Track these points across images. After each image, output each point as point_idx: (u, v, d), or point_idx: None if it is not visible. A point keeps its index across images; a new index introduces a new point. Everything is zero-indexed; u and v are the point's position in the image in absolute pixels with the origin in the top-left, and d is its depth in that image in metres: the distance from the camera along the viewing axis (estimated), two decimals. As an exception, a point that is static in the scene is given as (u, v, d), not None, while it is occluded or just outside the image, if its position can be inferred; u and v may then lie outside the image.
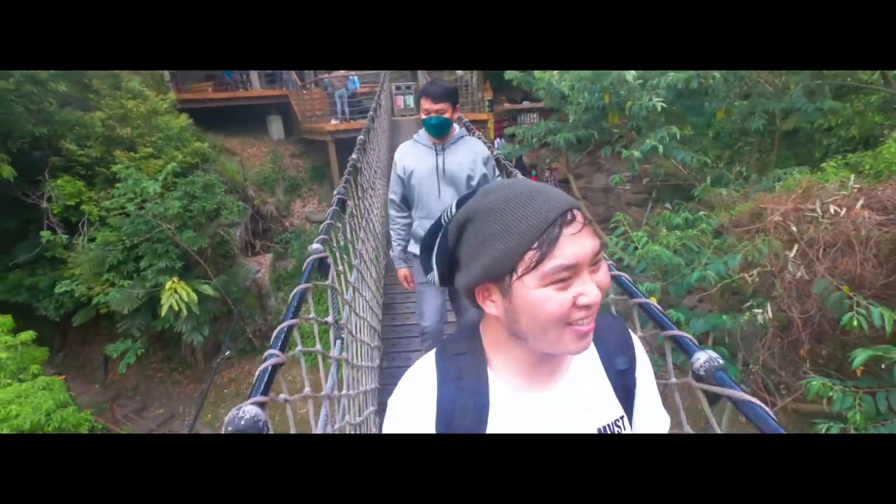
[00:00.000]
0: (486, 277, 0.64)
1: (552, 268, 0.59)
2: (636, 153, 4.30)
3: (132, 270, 8.95)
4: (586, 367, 0.75)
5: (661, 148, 4.17)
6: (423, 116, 2.37)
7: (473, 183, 2.45)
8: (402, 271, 2.66)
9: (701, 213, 3.47)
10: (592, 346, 0.75)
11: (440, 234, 0.72)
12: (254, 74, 15.15)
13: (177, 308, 8.25)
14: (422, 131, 2.48)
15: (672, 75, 4.12)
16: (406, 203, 2.56)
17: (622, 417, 0.75)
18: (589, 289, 0.61)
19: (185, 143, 10.18)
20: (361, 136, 4.15)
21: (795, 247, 2.58)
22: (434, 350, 0.76)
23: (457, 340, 0.76)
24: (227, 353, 9.05)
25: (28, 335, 6.75)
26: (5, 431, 5.27)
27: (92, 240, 9.06)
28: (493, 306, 0.67)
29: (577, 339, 0.63)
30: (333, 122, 12.74)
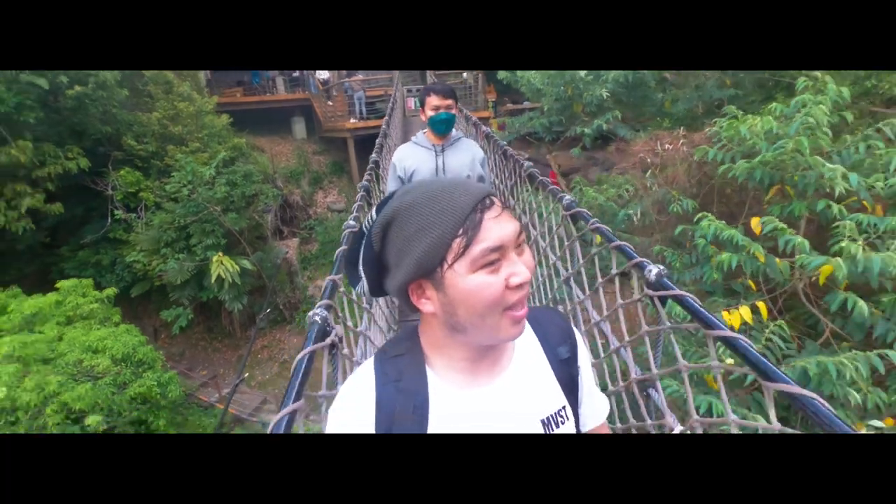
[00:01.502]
0: (418, 272, 0.64)
1: (480, 250, 0.60)
2: (587, 131, 5.66)
3: (183, 247, 10.47)
4: (528, 358, 0.76)
5: (605, 126, 5.53)
6: (432, 113, 2.37)
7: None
8: None
9: (629, 174, 4.79)
10: (534, 338, 0.77)
11: (363, 242, 0.70)
12: (279, 80, 16.72)
13: (224, 276, 9.73)
14: (420, 134, 2.52)
15: (614, 71, 5.48)
16: None
17: (564, 407, 0.74)
18: (518, 268, 0.62)
19: (225, 139, 11.74)
20: (379, 140, 4.49)
21: (649, 171, 3.95)
22: (374, 355, 0.76)
23: (396, 343, 0.75)
24: (264, 315, 10.49)
25: (111, 291, 8.28)
26: (105, 361, 6.74)
27: (148, 223, 10.61)
28: (428, 303, 0.66)
29: (513, 324, 0.64)
30: (352, 121, 14.24)
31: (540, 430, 0.71)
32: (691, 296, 1.18)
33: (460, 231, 0.60)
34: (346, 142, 14.23)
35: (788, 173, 2.79)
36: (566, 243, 2.21)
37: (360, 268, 0.71)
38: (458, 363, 0.70)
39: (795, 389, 0.82)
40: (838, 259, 2.24)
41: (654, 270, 1.31)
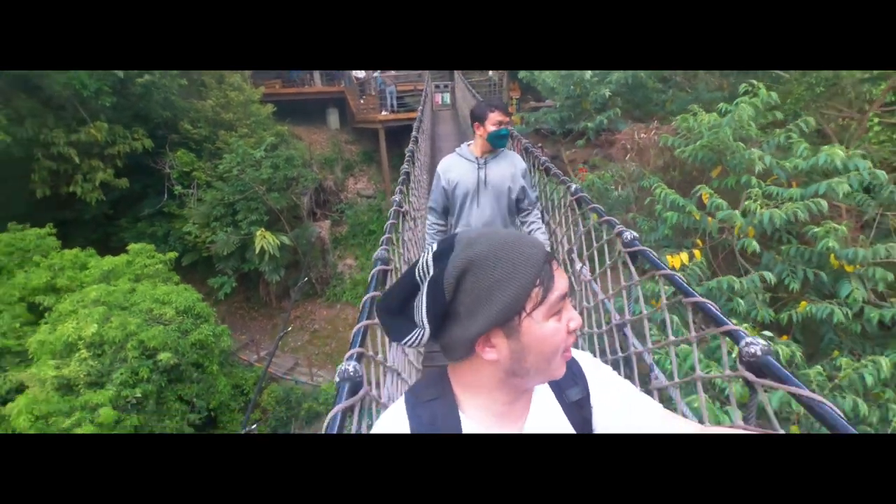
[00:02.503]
0: (498, 321, 0.64)
1: (556, 298, 0.65)
2: (590, 125, 6.51)
3: (230, 222, 11.65)
4: (543, 402, 0.77)
5: (605, 122, 6.38)
6: (494, 129, 2.45)
7: (514, 196, 2.56)
8: None
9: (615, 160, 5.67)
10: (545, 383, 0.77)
11: (427, 290, 0.66)
12: (316, 73, 17.84)
13: (266, 249, 10.87)
14: (464, 146, 2.60)
15: (617, 73, 6.32)
16: (446, 212, 2.67)
17: None
18: (574, 314, 0.69)
19: (269, 126, 12.90)
20: (414, 134, 4.89)
21: (627, 155, 4.84)
22: (403, 396, 0.76)
23: (427, 386, 0.76)
24: (300, 285, 11.62)
25: (172, 254, 9.49)
26: (171, 311, 7.88)
27: (200, 199, 11.83)
28: (492, 352, 0.67)
29: (563, 363, 0.70)
30: (384, 113, 15.27)
31: None
32: (650, 250, 1.68)
33: (538, 281, 0.63)
34: (377, 133, 15.26)
35: (725, 156, 3.65)
36: (570, 221, 2.68)
37: (424, 317, 0.66)
38: (498, 406, 0.72)
39: (698, 299, 1.25)
40: (736, 212, 3.11)
41: (628, 235, 1.75)
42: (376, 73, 16.39)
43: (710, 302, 1.24)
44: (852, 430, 0.80)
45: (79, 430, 5.98)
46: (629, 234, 1.77)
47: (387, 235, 2.09)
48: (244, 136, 11.92)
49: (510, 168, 2.54)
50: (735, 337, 1.09)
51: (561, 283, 0.66)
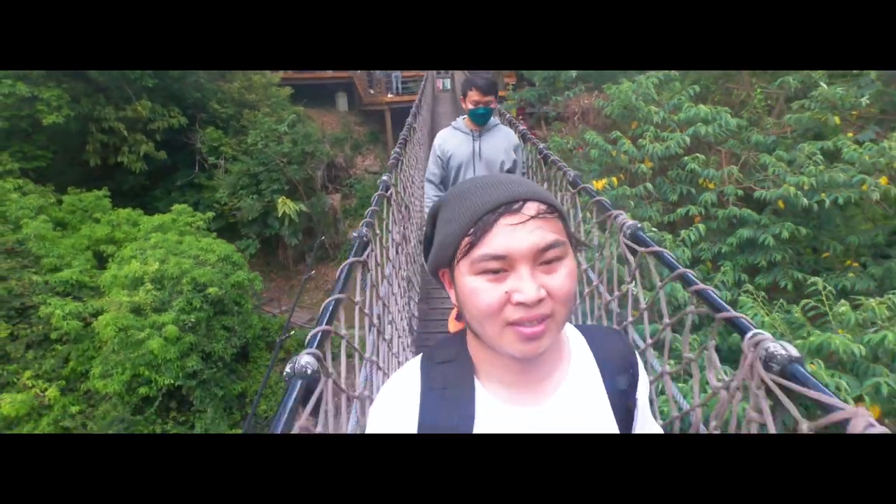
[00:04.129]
0: (436, 261, 0.65)
1: (479, 255, 0.58)
2: (559, 98, 8.00)
3: (254, 191, 13.17)
4: (585, 383, 0.70)
5: (571, 97, 7.88)
6: (472, 107, 2.52)
7: (506, 167, 2.63)
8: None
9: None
10: (593, 362, 0.72)
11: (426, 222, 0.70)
12: (326, 60, 19.27)
13: (287, 213, 12.41)
14: (459, 119, 2.68)
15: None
16: (443, 183, 2.73)
17: None
18: (524, 285, 0.57)
19: (286, 107, 14.39)
20: (413, 109, 5.91)
21: (576, 117, 6.36)
22: (420, 356, 0.73)
23: (443, 346, 0.72)
24: (318, 244, 13.18)
25: (210, 214, 11.04)
26: (213, 257, 9.42)
27: (227, 171, 13.35)
28: (452, 294, 0.65)
29: (519, 340, 0.59)
30: (389, 95, 16.73)
31: None
32: (666, 251, 1.49)
33: (471, 230, 0.58)
34: (383, 115, 16.74)
35: (636, 113, 5.14)
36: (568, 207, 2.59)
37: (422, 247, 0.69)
38: (502, 375, 0.67)
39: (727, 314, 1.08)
40: (633, 147, 4.63)
41: (622, 219, 1.69)
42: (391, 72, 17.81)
43: (711, 289, 1.17)
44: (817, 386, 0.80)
45: (150, 344, 7.54)
46: (623, 220, 1.66)
47: (368, 220, 2.01)
48: (266, 115, 13.41)
49: (504, 142, 2.65)
50: (740, 327, 1.02)
51: (500, 240, 0.57)
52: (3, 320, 7.53)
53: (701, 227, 4.15)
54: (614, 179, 4.89)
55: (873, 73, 4.76)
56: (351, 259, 1.51)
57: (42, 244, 8.73)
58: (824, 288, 3.35)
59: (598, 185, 4.87)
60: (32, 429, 7.38)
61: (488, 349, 0.65)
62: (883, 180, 3.96)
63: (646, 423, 0.77)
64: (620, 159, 4.93)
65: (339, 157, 16.51)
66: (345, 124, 17.69)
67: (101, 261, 9.72)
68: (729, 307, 1.11)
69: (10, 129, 10.12)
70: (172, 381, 7.86)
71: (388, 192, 2.69)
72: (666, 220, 4.57)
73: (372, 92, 17.97)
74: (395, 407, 0.68)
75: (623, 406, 0.72)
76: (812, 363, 2.88)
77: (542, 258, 0.58)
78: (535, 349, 0.60)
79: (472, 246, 0.59)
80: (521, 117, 12.90)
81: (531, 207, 0.59)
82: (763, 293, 3.85)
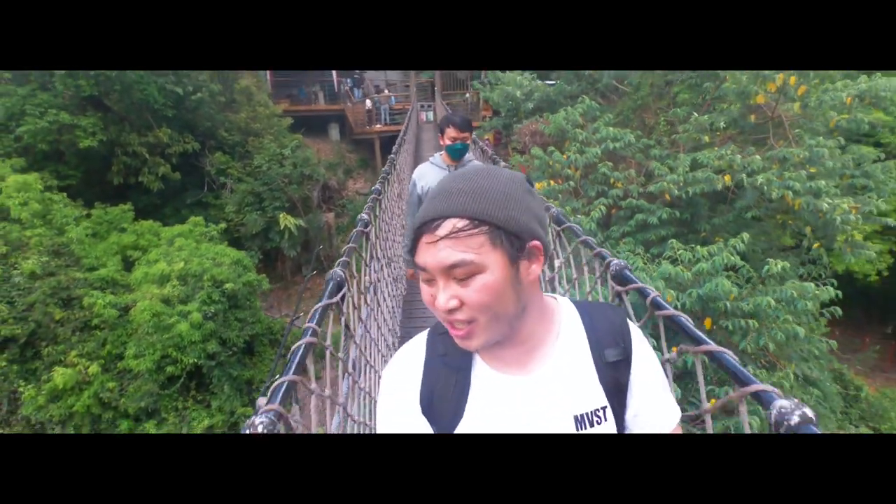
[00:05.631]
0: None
1: (416, 262, 0.69)
2: (520, 125, 9.86)
3: (257, 208, 14.76)
4: (572, 352, 0.76)
5: (526, 122, 9.79)
6: (449, 142, 2.71)
7: None
8: (412, 271, 3.00)
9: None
10: (583, 334, 0.78)
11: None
12: (320, 93, 21.23)
13: (288, 226, 14.00)
14: (437, 155, 2.87)
15: (538, 93, 9.69)
16: None
17: (605, 408, 0.74)
18: (438, 296, 0.66)
19: (286, 135, 16.17)
20: (399, 140, 7.77)
21: (528, 138, 8.25)
22: (429, 328, 0.82)
23: None
24: (316, 252, 14.71)
25: (222, 226, 12.57)
26: (228, 259, 10.90)
27: (233, 191, 14.95)
28: None
29: (457, 336, 0.70)
30: (378, 126, 18.67)
31: (572, 425, 0.72)
32: (649, 287, 1.38)
33: (413, 237, 0.69)
34: (373, 143, 18.62)
35: (567, 133, 6.95)
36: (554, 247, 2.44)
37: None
38: (501, 350, 0.74)
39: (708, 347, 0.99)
40: (563, 157, 6.43)
41: (616, 265, 1.55)
42: (378, 102, 19.81)
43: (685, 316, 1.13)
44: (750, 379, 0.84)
45: (179, 327, 8.95)
46: (617, 264, 1.54)
47: (344, 259, 1.96)
48: (270, 142, 15.16)
49: None
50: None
51: (420, 255, 0.67)
52: (55, 307, 8.90)
53: (602, 207, 5.91)
54: (552, 182, 6.62)
55: (734, 107, 6.66)
56: (324, 302, 1.44)
57: (82, 247, 10.17)
58: (678, 247, 5.09)
59: (539, 186, 6.60)
60: (75, 401, 8.67)
61: None
62: (727, 178, 5.78)
63: (645, 403, 0.77)
64: (555, 168, 6.68)
65: (332, 179, 18.23)
66: (338, 151, 19.53)
67: (128, 265, 11.13)
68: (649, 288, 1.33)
69: (49, 151, 11.65)
70: (196, 361, 9.23)
71: (368, 229, 2.69)
72: (585, 209, 6.31)
73: (369, 129, 19.96)
74: (402, 370, 0.78)
75: (612, 378, 0.75)
76: (659, 287, 4.57)
77: (453, 274, 0.65)
78: (468, 346, 0.70)
79: (412, 253, 0.70)
80: (496, 142, 14.91)
81: (447, 226, 0.64)
82: (654, 258, 5.58)
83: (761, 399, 0.82)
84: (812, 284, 4.60)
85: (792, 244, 7.33)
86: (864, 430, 10.85)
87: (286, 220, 14.15)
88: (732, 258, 4.68)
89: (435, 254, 0.65)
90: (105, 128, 12.46)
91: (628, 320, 0.81)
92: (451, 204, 0.65)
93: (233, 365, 10.16)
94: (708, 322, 4.81)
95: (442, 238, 0.64)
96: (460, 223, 0.64)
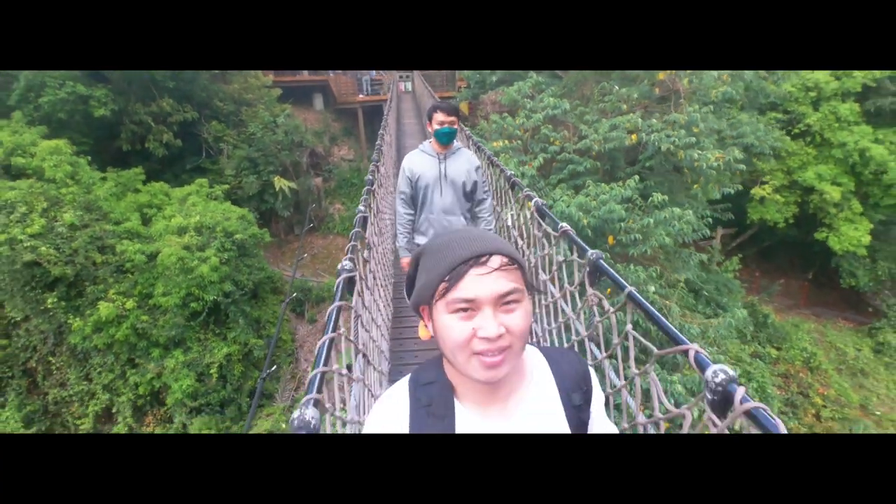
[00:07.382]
0: (418, 299, 0.79)
1: (453, 298, 0.74)
2: (485, 95, 11.58)
3: (252, 172, 16.26)
4: (544, 399, 0.85)
5: (489, 93, 11.52)
6: (437, 127, 2.78)
7: (468, 188, 2.92)
8: (406, 259, 3.07)
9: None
10: (551, 378, 0.87)
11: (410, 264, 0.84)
12: (303, 65, 22.40)
13: (283, 188, 15.60)
14: (426, 143, 2.94)
15: (500, 72, 11.39)
16: (413, 201, 2.96)
17: None
18: (487, 324, 0.72)
19: (275, 104, 17.55)
20: (385, 117, 9.70)
21: (492, 107, 10.01)
22: (407, 378, 0.87)
23: (425, 371, 0.86)
24: (309, 212, 16.40)
25: (226, 186, 14.11)
26: (235, 215, 12.51)
27: (230, 156, 16.39)
28: (430, 326, 0.80)
29: (482, 367, 0.74)
30: (361, 95, 20.10)
31: None
32: (621, 278, 1.64)
33: (447, 277, 0.74)
34: (356, 112, 20.07)
35: (519, 103, 8.76)
36: (532, 235, 2.75)
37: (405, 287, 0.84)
38: (474, 394, 0.82)
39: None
40: (512, 120, 8.26)
41: (593, 255, 1.78)
42: (362, 76, 21.14)
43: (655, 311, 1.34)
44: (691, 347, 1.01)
45: (202, 269, 10.64)
46: (594, 254, 1.77)
47: (352, 243, 2.11)
48: (262, 111, 16.56)
49: (466, 164, 2.95)
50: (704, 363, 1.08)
51: (469, 287, 0.73)
52: (95, 252, 10.51)
53: (541, 159, 7.79)
54: (506, 141, 8.43)
55: (646, 83, 8.54)
56: (337, 303, 1.54)
57: (108, 204, 11.69)
58: (591, 185, 7.02)
59: (496, 144, 8.43)
60: (116, 331, 10.39)
61: (461, 374, 0.79)
62: (633, 137, 7.70)
63: (601, 429, 0.90)
64: (509, 130, 8.49)
65: (319, 147, 19.72)
66: (323, 120, 20.92)
67: (144, 220, 12.66)
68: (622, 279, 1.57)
69: (67, 120, 12.95)
70: (215, 297, 10.98)
71: (366, 232, 2.71)
72: (531, 161, 8.18)
73: (361, 97, 21.31)
74: (389, 421, 0.83)
75: (577, 418, 0.85)
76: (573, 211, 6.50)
77: (502, 302, 0.74)
78: (495, 375, 0.75)
79: (447, 290, 0.74)
80: (469, 110, 16.65)
81: (496, 261, 0.74)
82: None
83: (700, 363, 1.01)
84: (679, 209, 6.59)
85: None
86: (770, 350, 13.29)
87: (280, 182, 15.73)
88: (626, 192, 6.63)
89: (490, 284, 0.73)
90: (114, 99, 13.74)
91: (588, 367, 0.92)
92: (489, 244, 0.76)
93: (245, 303, 11.93)
94: (611, 239, 6.78)
95: (496, 269, 0.74)
96: (504, 259, 0.76)
